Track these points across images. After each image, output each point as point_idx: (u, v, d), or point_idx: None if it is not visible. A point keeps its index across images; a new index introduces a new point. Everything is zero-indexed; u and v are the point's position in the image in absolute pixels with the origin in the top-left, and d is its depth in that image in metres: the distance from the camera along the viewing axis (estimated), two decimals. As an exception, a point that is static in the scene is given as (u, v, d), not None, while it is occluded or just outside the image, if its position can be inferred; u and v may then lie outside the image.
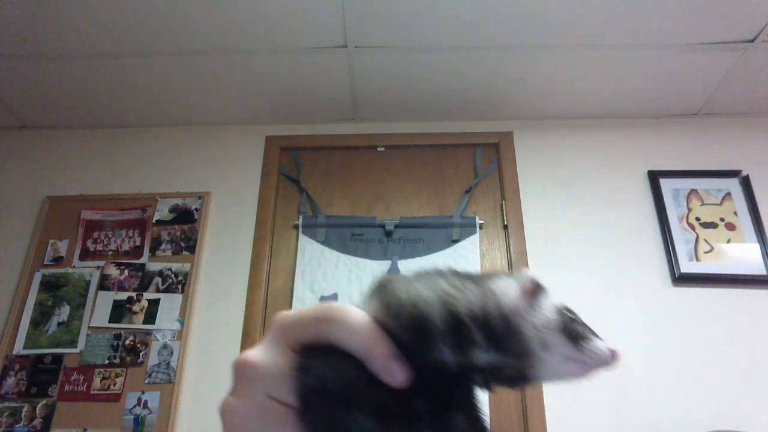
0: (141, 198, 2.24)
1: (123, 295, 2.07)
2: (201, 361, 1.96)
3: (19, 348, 2.00)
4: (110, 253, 2.16)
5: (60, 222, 2.21)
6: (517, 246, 2.10)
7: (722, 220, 2.12)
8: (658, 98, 2.25)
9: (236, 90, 2.22)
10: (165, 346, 1.97)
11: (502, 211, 2.18)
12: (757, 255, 2.05)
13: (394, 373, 0.38)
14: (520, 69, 2.11)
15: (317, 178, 2.27)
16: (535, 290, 0.48)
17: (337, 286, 2.01)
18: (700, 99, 2.25)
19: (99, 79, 2.14)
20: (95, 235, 2.19)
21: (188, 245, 2.14)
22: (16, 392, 1.93)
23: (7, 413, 1.91)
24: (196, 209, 2.20)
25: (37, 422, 1.89)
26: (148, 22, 1.88)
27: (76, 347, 1.99)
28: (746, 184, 2.17)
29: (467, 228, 2.11)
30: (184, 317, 2.01)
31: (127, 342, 1.99)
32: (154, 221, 2.19)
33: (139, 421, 1.87)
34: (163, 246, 2.15)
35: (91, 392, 1.93)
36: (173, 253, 2.13)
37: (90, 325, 2.03)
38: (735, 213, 2.13)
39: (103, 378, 1.94)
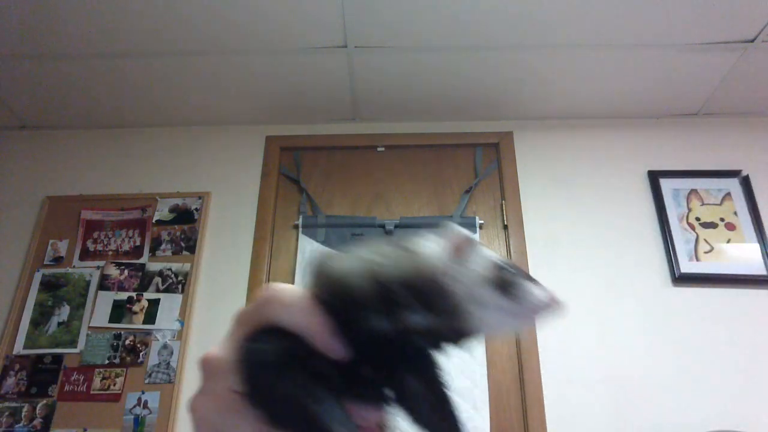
0: (141, 198, 2.24)
1: (123, 295, 2.07)
2: (201, 361, 1.96)
3: (19, 348, 2.00)
4: (110, 253, 2.16)
5: (60, 222, 2.21)
6: (517, 246, 2.10)
7: (722, 220, 2.12)
8: (658, 98, 2.25)
9: (236, 90, 2.22)
10: (165, 346, 1.97)
11: (502, 211, 2.18)
12: (757, 255, 2.05)
13: (332, 347, 0.39)
14: (520, 69, 2.11)
15: (317, 178, 2.27)
16: (463, 246, 0.47)
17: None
18: (700, 99, 2.25)
19: (99, 79, 2.14)
20: (95, 235, 2.19)
21: (188, 245, 2.14)
22: (16, 392, 1.93)
23: (7, 413, 1.91)
24: (196, 209, 2.20)
25: (37, 422, 1.89)
26: (148, 22, 1.88)
27: (76, 347, 1.99)
28: (746, 184, 2.17)
29: (467, 228, 2.10)
30: (184, 317, 2.01)
31: (127, 342, 1.99)
32: (154, 221, 2.19)
33: (139, 421, 1.87)
34: (163, 246, 2.15)
35: (91, 392, 1.93)
36: (173, 253, 2.13)
37: (90, 325, 2.03)
38: (735, 213, 2.13)
39: (103, 378, 1.94)
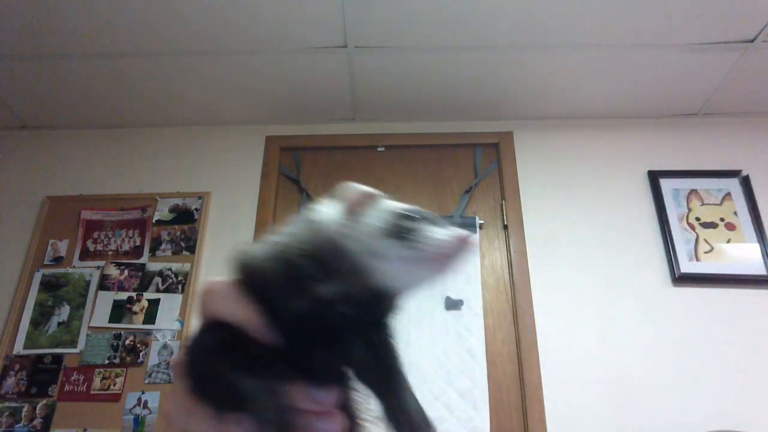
0: (141, 198, 2.24)
1: (123, 295, 2.07)
2: (201, 361, 1.96)
3: (19, 348, 2.00)
4: (110, 253, 2.16)
5: (60, 222, 2.21)
6: (517, 246, 2.10)
7: (722, 220, 2.12)
8: (658, 98, 2.25)
9: (236, 90, 2.22)
10: (165, 346, 1.97)
11: (502, 211, 2.18)
12: (757, 255, 2.05)
13: (263, 334, 0.40)
14: (520, 69, 2.11)
15: (317, 178, 2.27)
16: (360, 202, 0.46)
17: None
18: (700, 99, 2.25)
19: (99, 79, 2.14)
20: (95, 235, 2.19)
21: (188, 245, 2.14)
22: (16, 392, 1.93)
23: (7, 413, 1.91)
24: (196, 209, 2.20)
25: (37, 422, 1.89)
26: (148, 22, 1.88)
27: (76, 347, 1.99)
28: (746, 184, 2.17)
29: (467, 228, 2.08)
30: (184, 317, 2.01)
31: (127, 342, 1.99)
32: (154, 221, 2.19)
33: (139, 421, 1.87)
34: (163, 246, 2.15)
35: (91, 392, 1.93)
36: (173, 253, 2.13)
37: (90, 325, 2.03)
38: (735, 213, 2.13)
39: (103, 378, 1.94)
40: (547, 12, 1.84)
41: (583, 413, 1.84)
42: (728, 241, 2.08)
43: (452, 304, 1.98)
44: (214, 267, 2.11)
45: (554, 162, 2.27)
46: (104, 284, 2.10)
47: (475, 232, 2.10)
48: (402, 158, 2.31)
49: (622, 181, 2.22)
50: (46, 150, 2.39)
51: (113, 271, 2.12)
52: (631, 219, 2.14)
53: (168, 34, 1.93)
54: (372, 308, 0.44)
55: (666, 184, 2.18)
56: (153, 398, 1.90)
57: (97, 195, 2.26)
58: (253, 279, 0.43)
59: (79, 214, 2.22)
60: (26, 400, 1.92)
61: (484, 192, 2.23)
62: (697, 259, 2.05)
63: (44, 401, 1.92)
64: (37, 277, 2.11)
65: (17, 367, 1.97)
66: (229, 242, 2.15)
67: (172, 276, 2.09)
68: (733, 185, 2.17)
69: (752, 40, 1.93)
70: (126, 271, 2.12)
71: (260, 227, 2.16)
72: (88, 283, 2.10)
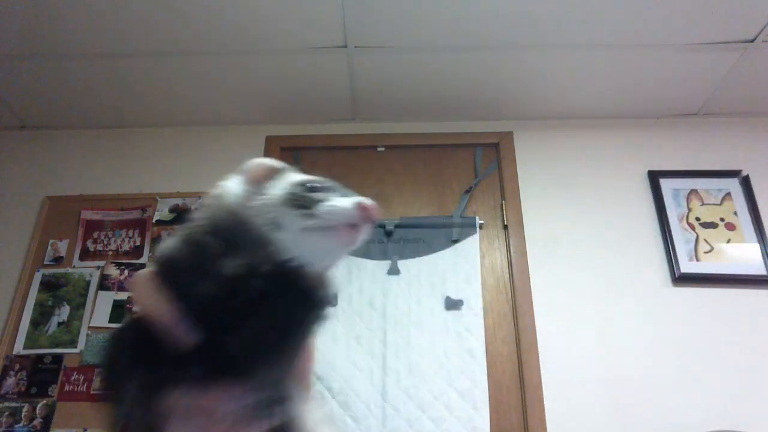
0: (141, 198, 2.24)
1: (123, 295, 2.07)
2: (201, 361, 1.96)
3: (19, 348, 2.00)
4: (110, 253, 2.16)
5: (60, 222, 2.21)
6: (517, 246, 2.10)
7: (722, 220, 2.12)
8: (658, 98, 2.25)
9: (236, 90, 2.22)
10: (165, 346, 1.97)
11: (502, 211, 2.18)
12: (757, 255, 2.05)
13: (178, 332, 0.40)
14: (520, 69, 2.11)
15: (317, 178, 2.27)
16: (264, 174, 0.46)
17: (337, 286, 2.01)
18: (700, 99, 2.25)
19: (99, 79, 2.14)
20: (95, 235, 2.19)
21: (188, 245, 2.14)
22: (16, 392, 1.93)
23: (7, 413, 1.91)
24: (196, 209, 2.20)
25: (37, 422, 1.89)
26: (148, 22, 1.88)
27: (76, 347, 1.99)
28: (746, 184, 2.17)
29: (467, 228, 2.11)
30: (184, 317, 2.01)
31: (127, 342, 1.99)
32: (154, 221, 2.19)
33: (139, 421, 1.87)
34: (163, 246, 2.14)
35: (91, 392, 1.93)
36: (173, 253, 2.13)
37: (90, 325, 2.03)
38: (735, 213, 2.13)
39: (103, 378, 1.94)
40: (547, 12, 1.84)
41: (583, 413, 1.84)
42: (728, 241, 2.08)
43: (452, 304, 1.98)
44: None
45: (554, 162, 2.27)
46: (104, 284, 2.10)
47: (475, 232, 2.10)
48: (402, 158, 2.31)
49: (622, 181, 2.22)
50: (46, 150, 2.39)
51: (113, 271, 2.12)
52: (631, 219, 2.14)
53: (168, 34, 1.93)
54: (285, 283, 0.42)
55: (666, 184, 2.18)
56: (153, 398, 1.90)
57: (97, 195, 2.26)
58: (166, 267, 0.43)
59: (79, 214, 2.22)
60: (26, 400, 1.92)
61: (484, 192, 2.23)
62: (697, 259, 2.05)
63: (44, 401, 1.92)
64: (37, 277, 2.11)
65: (17, 367, 1.97)
66: (229, 242, 2.15)
67: (172, 276, 2.09)
68: (733, 185, 2.17)
69: (752, 40, 1.93)
70: (126, 271, 2.12)
71: (260, 227, 2.16)
72: (88, 283, 2.10)
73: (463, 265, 2.04)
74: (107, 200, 2.25)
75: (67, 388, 1.94)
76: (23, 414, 1.90)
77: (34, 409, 1.91)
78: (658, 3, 1.79)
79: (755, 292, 2.00)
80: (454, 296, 1.99)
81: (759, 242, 2.06)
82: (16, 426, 1.88)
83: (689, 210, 2.14)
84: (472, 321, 1.96)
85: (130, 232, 2.19)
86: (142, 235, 2.18)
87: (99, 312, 2.05)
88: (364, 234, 0.44)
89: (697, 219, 2.12)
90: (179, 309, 0.40)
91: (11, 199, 2.28)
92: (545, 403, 1.85)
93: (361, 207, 0.44)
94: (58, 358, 1.98)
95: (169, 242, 0.44)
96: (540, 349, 1.92)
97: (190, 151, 2.36)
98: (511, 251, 2.09)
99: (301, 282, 0.43)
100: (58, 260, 2.15)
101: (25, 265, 2.13)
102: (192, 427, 0.40)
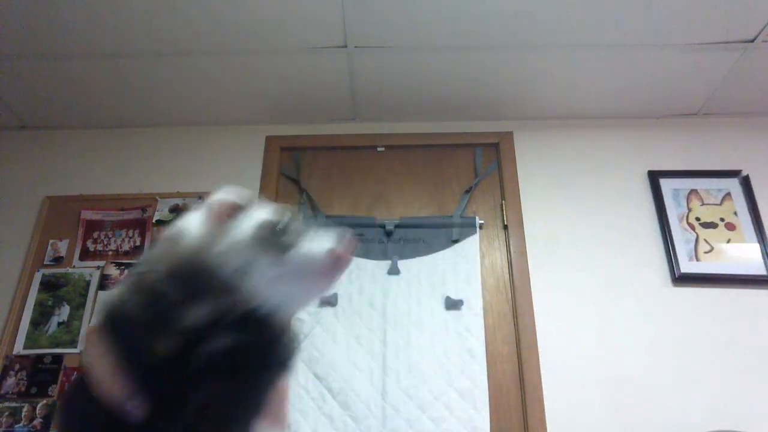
0: (141, 198, 2.24)
1: (123, 295, 2.07)
2: (201, 361, 1.96)
3: (19, 348, 2.00)
4: (110, 253, 2.16)
5: (60, 222, 2.21)
6: (517, 246, 2.10)
7: (722, 220, 2.12)
8: (658, 98, 2.25)
9: (236, 90, 2.22)
10: (165, 346, 1.97)
11: (502, 211, 2.18)
12: (757, 255, 2.05)
13: (127, 409, 0.35)
14: (520, 69, 2.11)
15: (317, 178, 2.27)
16: (227, 211, 0.40)
17: (338, 286, 2.01)
18: (700, 99, 2.25)
19: (99, 79, 2.14)
20: (95, 235, 2.19)
21: (188, 245, 2.14)
22: (16, 392, 1.93)
23: (7, 413, 1.91)
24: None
25: (37, 422, 1.89)
26: (148, 22, 1.88)
27: (76, 347, 1.99)
28: (746, 184, 2.17)
29: (467, 228, 2.11)
30: (184, 317, 2.01)
31: (127, 342, 1.99)
32: (154, 221, 2.19)
33: (139, 421, 1.87)
34: (163, 246, 2.14)
35: (91, 392, 1.92)
36: (173, 253, 2.13)
37: (90, 325, 2.03)
38: (735, 213, 2.13)
39: (103, 378, 1.94)
40: (547, 12, 1.84)
41: (583, 413, 1.84)
42: (728, 241, 2.08)
43: (452, 304, 1.98)
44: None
45: (554, 162, 2.27)
46: (104, 284, 2.10)
47: (475, 232, 2.10)
48: (402, 158, 2.31)
49: (622, 181, 2.22)
50: (46, 150, 2.39)
51: (113, 271, 2.12)
52: (631, 219, 2.14)
53: (168, 34, 1.93)
54: (257, 338, 0.38)
55: (666, 184, 2.18)
56: (153, 398, 1.90)
57: (97, 195, 2.26)
58: (114, 322, 0.38)
59: (79, 214, 2.22)
60: (26, 400, 1.92)
61: (484, 192, 2.23)
62: (697, 259, 2.05)
63: (44, 401, 1.92)
64: (37, 277, 2.11)
65: (17, 367, 1.97)
66: (229, 242, 2.15)
67: (172, 276, 2.09)
68: (733, 185, 2.17)
69: (752, 40, 1.93)
70: (126, 271, 2.12)
71: (260, 227, 2.16)
72: (88, 283, 2.10)
73: (463, 265, 2.04)
74: (107, 200, 2.25)
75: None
76: (23, 414, 1.90)
77: (34, 409, 1.91)
78: (658, 3, 1.79)
79: (755, 292, 2.00)
80: (454, 296, 1.99)
81: (759, 242, 2.06)
82: (16, 426, 1.88)
83: (689, 210, 2.14)
84: (472, 321, 1.96)
85: (130, 232, 2.19)
86: (142, 235, 2.18)
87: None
88: (339, 279, 0.41)
89: (697, 219, 2.12)
90: (127, 378, 0.35)
91: (11, 199, 2.28)
92: (545, 403, 1.85)
93: (333, 253, 0.40)
94: (58, 358, 1.98)
95: (117, 290, 0.39)
96: (540, 349, 1.92)
97: (190, 151, 2.36)
98: (511, 251, 2.09)
99: (268, 333, 0.39)
100: (58, 260, 2.15)
101: (25, 265, 2.13)
102: None
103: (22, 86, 2.18)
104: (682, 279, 2.01)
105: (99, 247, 2.17)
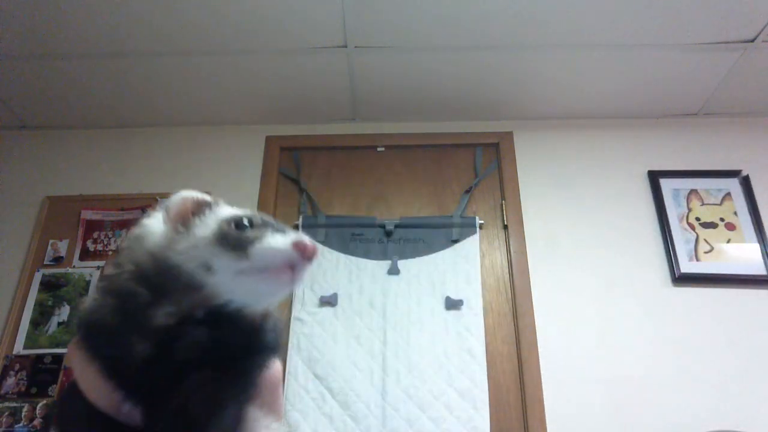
0: (141, 198, 2.24)
1: (123, 295, 2.07)
2: (201, 361, 1.96)
3: (19, 348, 2.00)
4: (110, 253, 2.16)
5: (60, 222, 2.21)
6: (517, 246, 2.10)
7: (722, 220, 2.12)
8: (658, 98, 2.25)
9: (236, 90, 2.22)
10: (165, 346, 1.97)
11: (502, 211, 2.18)
12: (757, 255, 2.05)
13: (117, 412, 0.36)
14: (520, 69, 2.11)
15: (317, 178, 2.27)
16: (187, 210, 0.42)
17: (338, 286, 2.01)
18: (700, 99, 2.25)
19: (99, 79, 2.14)
20: (95, 235, 2.19)
21: (188, 245, 2.14)
22: (16, 392, 1.93)
23: (7, 413, 1.91)
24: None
25: (37, 422, 1.89)
26: (148, 22, 1.88)
27: (76, 347, 1.99)
28: (746, 184, 2.17)
29: (467, 228, 2.11)
30: (184, 317, 2.01)
31: (127, 342, 1.99)
32: (154, 221, 2.19)
33: (139, 421, 1.87)
34: (163, 246, 2.14)
35: (91, 392, 1.92)
36: (173, 253, 2.13)
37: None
38: (735, 213, 2.13)
39: (103, 378, 1.94)
40: (547, 12, 1.84)
41: (583, 413, 1.84)
42: (728, 241, 2.08)
43: (452, 304, 1.98)
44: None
45: (554, 162, 2.27)
46: (104, 284, 2.10)
47: (475, 232, 2.10)
48: (402, 158, 2.31)
49: (622, 181, 2.22)
50: (46, 150, 2.39)
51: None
52: (631, 219, 2.14)
53: (168, 34, 1.93)
54: (226, 327, 0.38)
55: (666, 184, 2.18)
56: (153, 398, 1.90)
57: (97, 195, 2.26)
58: (90, 332, 0.38)
59: (79, 214, 2.22)
60: (26, 400, 1.92)
61: (484, 192, 2.23)
62: (697, 259, 2.05)
63: (44, 401, 1.92)
64: (37, 277, 2.11)
65: (17, 367, 1.97)
66: (229, 242, 2.15)
67: (172, 276, 2.09)
68: (733, 185, 2.17)
69: (752, 40, 1.93)
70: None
71: (260, 227, 2.16)
72: (88, 283, 2.10)
73: (463, 265, 2.04)
74: (107, 200, 2.25)
75: (67, 388, 1.94)
76: (23, 414, 1.90)
77: (34, 409, 1.91)
78: (658, 3, 1.79)
79: (755, 292, 2.00)
80: (454, 296, 1.99)
81: (759, 242, 2.06)
82: (16, 426, 1.88)
83: (689, 210, 2.14)
84: (472, 321, 1.96)
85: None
86: (142, 235, 2.18)
87: (99, 312, 2.04)
88: (303, 274, 0.41)
89: (697, 219, 2.12)
90: (113, 385, 0.36)
91: (11, 199, 2.28)
92: (545, 403, 1.85)
93: (298, 246, 0.40)
94: (58, 358, 1.98)
95: (89, 301, 0.40)
96: (540, 349, 1.92)
97: (190, 151, 2.36)
98: (511, 251, 2.09)
99: (243, 324, 0.39)
100: (58, 260, 2.15)
101: (25, 265, 2.13)
102: None
103: (22, 86, 2.18)
104: (682, 279, 2.01)
105: (99, 247, 2.17)
